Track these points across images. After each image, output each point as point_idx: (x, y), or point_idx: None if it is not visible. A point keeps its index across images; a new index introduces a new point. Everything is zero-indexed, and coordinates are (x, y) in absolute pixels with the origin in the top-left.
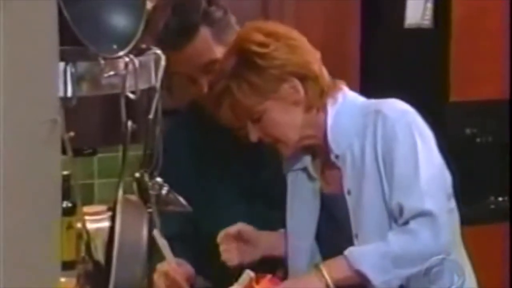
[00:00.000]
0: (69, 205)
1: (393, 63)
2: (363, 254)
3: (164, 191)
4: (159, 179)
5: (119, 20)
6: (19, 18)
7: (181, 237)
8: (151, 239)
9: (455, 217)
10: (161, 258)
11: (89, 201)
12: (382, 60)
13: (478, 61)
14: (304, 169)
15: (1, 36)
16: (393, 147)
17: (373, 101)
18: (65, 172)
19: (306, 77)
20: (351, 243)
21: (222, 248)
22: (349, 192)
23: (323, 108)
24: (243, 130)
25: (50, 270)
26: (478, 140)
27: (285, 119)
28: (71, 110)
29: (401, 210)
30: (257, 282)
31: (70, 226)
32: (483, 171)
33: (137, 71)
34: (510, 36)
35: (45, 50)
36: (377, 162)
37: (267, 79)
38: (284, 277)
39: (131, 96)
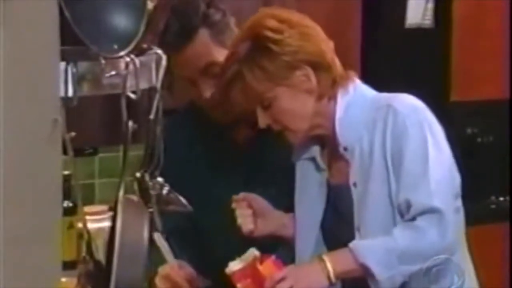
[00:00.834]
0: (70, 205)
1: (393, 63)
2: (368, 248)
3: (165, 191)
4: (160, 179)
5: (120, 20)
6: (20, 18)
7: (179, 233)
8: (152, 240)
9: (461, 216)
10: (163, 261)
11: (90, 201)
12: (383, 60)
13: (479, 61)
14: (313, 159)
15: (2, 36)
16: (403, 143)
17: (384, 95)
18: (66, 172)
19: (318, 66)
20: (352, 235)
21: (238, 212)
22: (355, 185)
23: (333, 98)
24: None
25: (51, 270)
26: (478, 139)
27: (295, 107)
28: (72, 110)
29: (408, 206)
30: (261, 262)
31: (71, 226)
32: (484, 170)
33: (138, 71)
34: (510, 36)
35: (46, 50)
36: (385, 159)
37: (280, 66)
38: (285, 259)
39: (132, 96)
